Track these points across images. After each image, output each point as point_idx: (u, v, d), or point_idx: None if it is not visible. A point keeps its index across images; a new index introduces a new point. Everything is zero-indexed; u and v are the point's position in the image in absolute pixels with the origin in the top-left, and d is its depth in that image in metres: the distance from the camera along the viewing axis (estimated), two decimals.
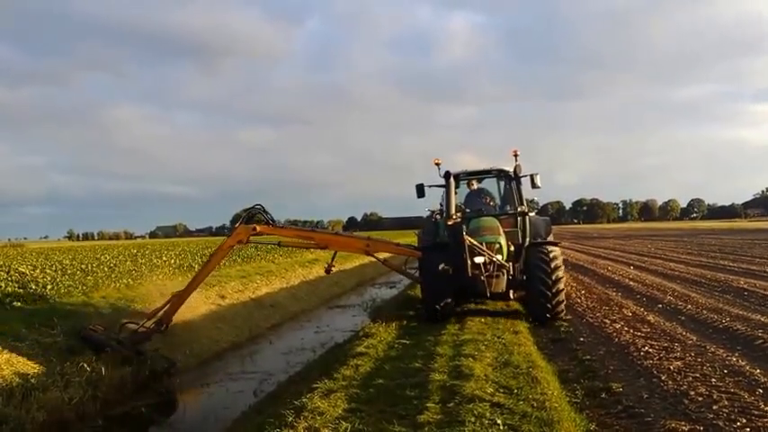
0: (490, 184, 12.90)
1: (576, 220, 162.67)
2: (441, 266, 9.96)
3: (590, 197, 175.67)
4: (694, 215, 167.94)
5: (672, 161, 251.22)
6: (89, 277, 15.86)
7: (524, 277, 10.83)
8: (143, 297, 14.23)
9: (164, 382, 10.67)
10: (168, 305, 11.18)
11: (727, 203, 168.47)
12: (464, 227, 10.25)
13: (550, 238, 11.74)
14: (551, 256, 10.52)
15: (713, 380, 6.60)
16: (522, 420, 5.29)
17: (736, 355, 7.66)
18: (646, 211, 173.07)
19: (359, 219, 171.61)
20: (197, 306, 15.28)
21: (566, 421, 5.33)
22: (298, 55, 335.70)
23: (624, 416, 5.79)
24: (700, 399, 5.98)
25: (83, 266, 18.80)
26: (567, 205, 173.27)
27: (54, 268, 17.76)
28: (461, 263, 9.78)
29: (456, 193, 11.63)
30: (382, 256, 12.86)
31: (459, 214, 10.36)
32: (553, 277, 10.35)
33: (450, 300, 10.67)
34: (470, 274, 9.84)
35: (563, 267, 10.71)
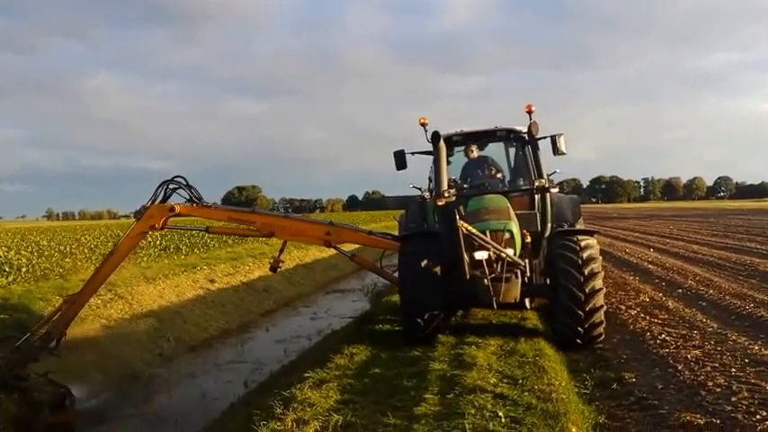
0: (497, 151, 10.52)
1: (593, 199, 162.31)
2: (423, 263, 7.95)
3: (609, 174, 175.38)
4: (721, 194, 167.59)
5: (697, 136, 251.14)
6: (67, 259, 15.98)
7: (547, 281, 8.66)
8: (126, 281, 14.33)
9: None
10: (59, 314, 9.08)
11: (756, 182, 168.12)
12: (460, 208, 8.49)
13: (580, 224, 9.42)
14: (585, 251, 7.93)
15: (733, 370, 6.62)
16: (526, 412, 5.32)
17: (759, 343, 7.66)
18: (669, 189, 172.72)
19: (360, 197, 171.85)
20: (184, 291, 15.45)
21: (573, 413, 5.37)
22: (283, 17, 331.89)
23: (636, 408, 5.82)
24: (718, 390, 6.00)
25: (61, 248, 18.92)
26: (585, 183, 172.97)
27: (30, 249, 17.86)
28: (456, 259, 7.88)
29: (449, 162, 9.65)
30: (350, 247, 10.73)
31: (452, 191, 8.36)
32: (587, 284, 7.76)
33: (438, 312, 8.14)
34: (469, 276, 7.88)
35: (601, 268, 8.10)
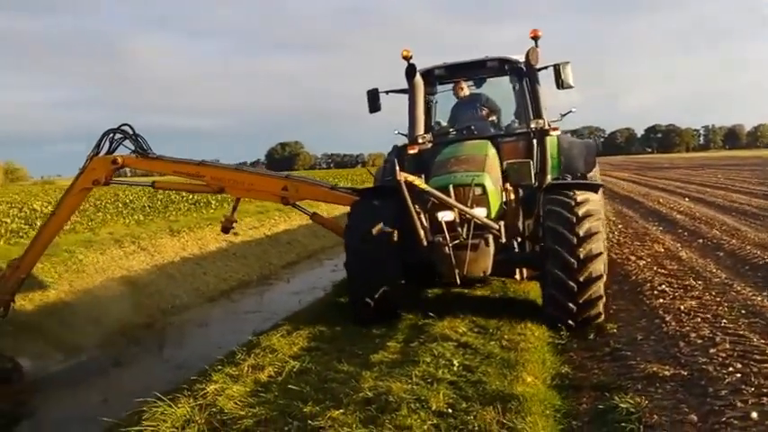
0: (497, 89, 8.61)
1: (649, 149, 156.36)
2: (376, 229, 6.26)
3: (666, 123, 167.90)
4: None
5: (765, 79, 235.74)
6: (99, 213, 16.55)
7: (538, 247, 6.89)
8: (151, 234, 14.79)
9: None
10: (2, 280, 8.33)
11: None
12: (434, 159, 7.10)
13: (594, 174, 7.82)
14: (581, 207, 6.27)
15: (723, 321, 6.28)
16: (482, 362, 5.24)
17: (765, 293, 7.26)
18: (731, 137, 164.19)
19: None
20: (207, 243, 15.82)
21: (532, 363, 5.24)
22: None
23: (608, 359, 5.63)
24: (699, 342, 5.72)
25: (97, 203, 19.58)
26: (639, 132, 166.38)
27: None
28: (411, 222, 6.21)
29: (435, 102, 8.49)
30: (314, 207, 9.69)
31: (428, 137, 7.01)
32: (582, 247, 6.13)
33: (392, 289, 6.63)
34: (427, 242, 6.27)
35: (602, 233, 6.48)
